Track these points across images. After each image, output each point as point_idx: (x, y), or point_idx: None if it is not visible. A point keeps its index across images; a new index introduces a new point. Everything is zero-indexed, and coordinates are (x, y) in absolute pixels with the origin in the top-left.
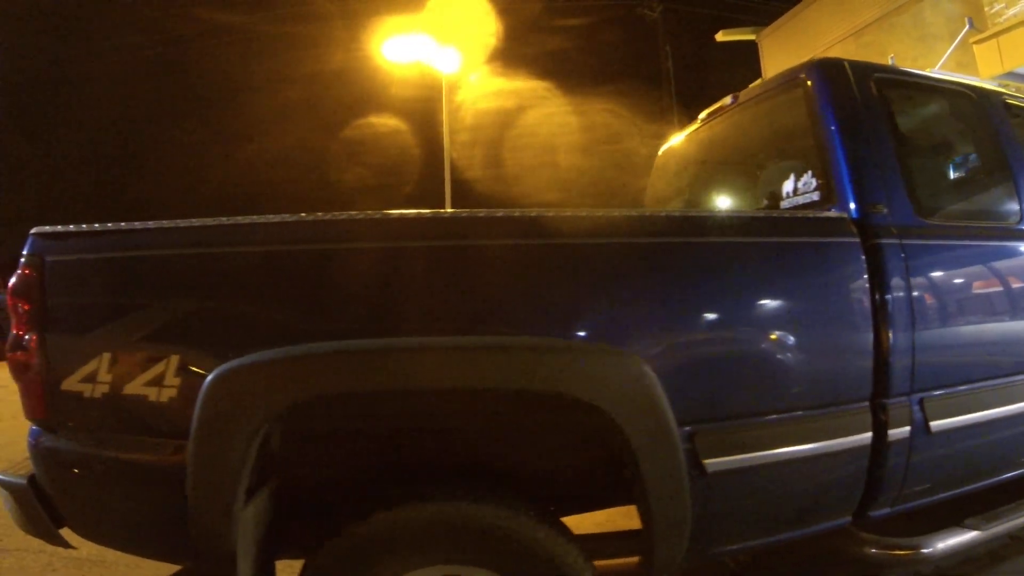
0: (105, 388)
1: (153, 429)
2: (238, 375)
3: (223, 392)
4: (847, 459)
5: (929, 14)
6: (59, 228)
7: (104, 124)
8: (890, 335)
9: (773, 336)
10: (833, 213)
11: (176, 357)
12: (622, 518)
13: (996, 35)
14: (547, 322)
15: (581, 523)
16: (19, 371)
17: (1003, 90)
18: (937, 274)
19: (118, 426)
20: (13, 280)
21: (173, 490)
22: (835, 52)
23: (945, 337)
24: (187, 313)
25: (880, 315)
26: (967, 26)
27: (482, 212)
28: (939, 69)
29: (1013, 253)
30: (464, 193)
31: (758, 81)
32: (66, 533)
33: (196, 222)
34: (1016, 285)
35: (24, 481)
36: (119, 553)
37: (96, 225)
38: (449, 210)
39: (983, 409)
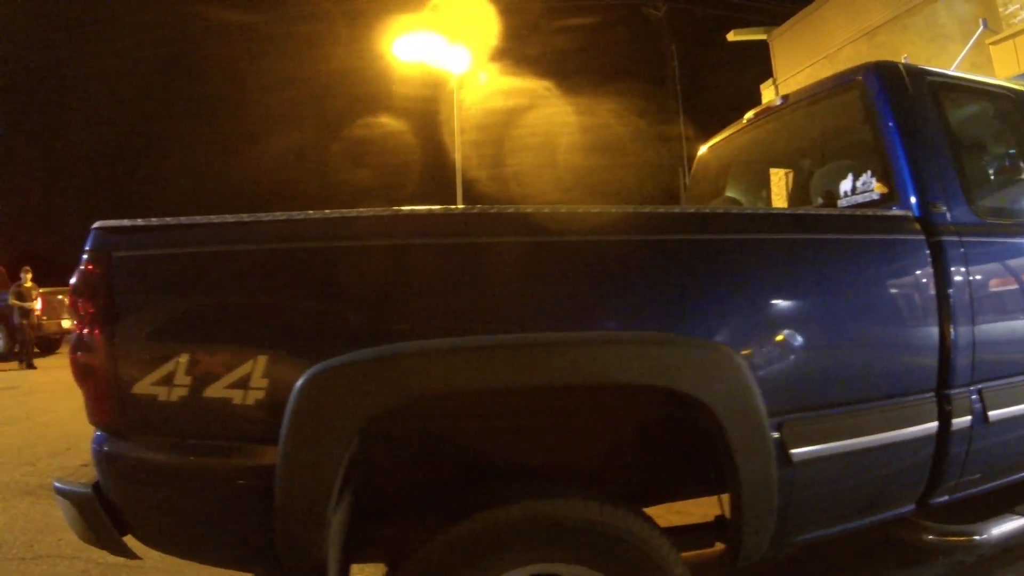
0: (183, 391)
1: (237, 433)
2: (338, 374)
3: (321, 392)
4: (916, 448)
5: (942, 15)
6: (126, 222)
7: (103, 124)
8: (953, 328)
9: (850, 329)
10: (898, 212)
11: (264, 357)
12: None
13: (1012, 36)
14: (647, 317)
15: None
16: (84, 374)
17: None
18: (992, 270)
19: (197, 430)
20: (75, 278)
21: (256, 496)
22: (847, 53)
23: (1001, 330)
24: (277, 311)
25: (944, 310)
26: (981, 27)
27: (582, 209)
28: (954, 70)
29: None
30: (470, 193)
31: (768, 80)
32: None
33: (281, 215)
34: None
35: (89, 490)
36: (156, 557)
37: (168, 219)
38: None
39: None
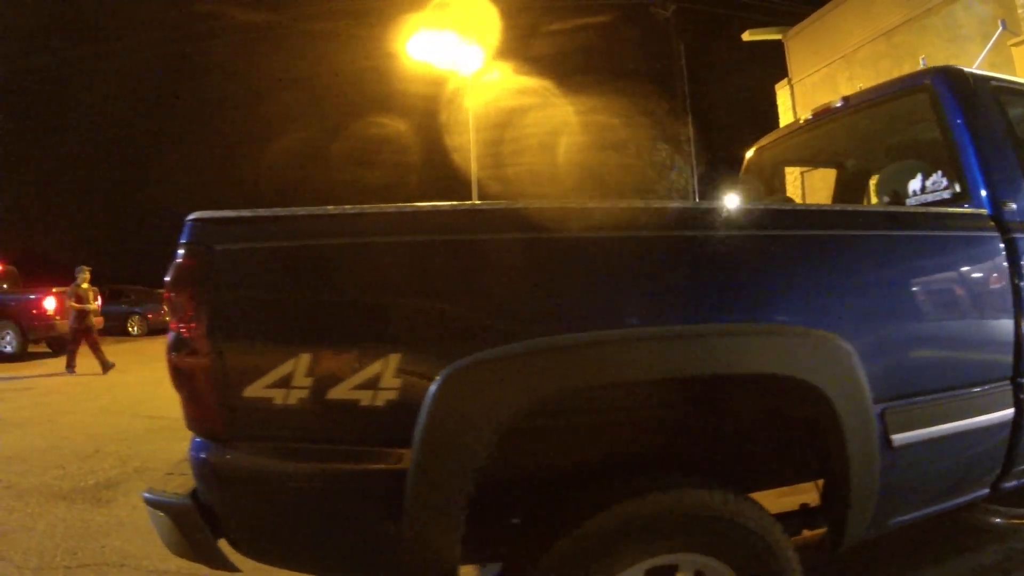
0: (303, 393)
1: (363, 436)
2: (484, 371)
3: (465, 392)
4: (994, 433)
5: (961, 16)
6: (228, 213)
7: (106, 123)
8: None
9: (937, 321)
10: (972, 210)
11: (396, 356)
12: None
13: None
14: (767, 308)
15: None
16: (185, 378)
17: None
18: None
19: (317, 434)
20: (171, 272)
21: (381, 499)
22: (865, 53)
23: None
24: (408, 308)
25: (1018, 302)
26: (1000, 28)
27: (706, 204)
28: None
29: None
30: (484, 193)
31: (784, 80)
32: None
33: (408, 207)
34: None
35: (188, 500)
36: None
37: (276, 210)
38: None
39: None
